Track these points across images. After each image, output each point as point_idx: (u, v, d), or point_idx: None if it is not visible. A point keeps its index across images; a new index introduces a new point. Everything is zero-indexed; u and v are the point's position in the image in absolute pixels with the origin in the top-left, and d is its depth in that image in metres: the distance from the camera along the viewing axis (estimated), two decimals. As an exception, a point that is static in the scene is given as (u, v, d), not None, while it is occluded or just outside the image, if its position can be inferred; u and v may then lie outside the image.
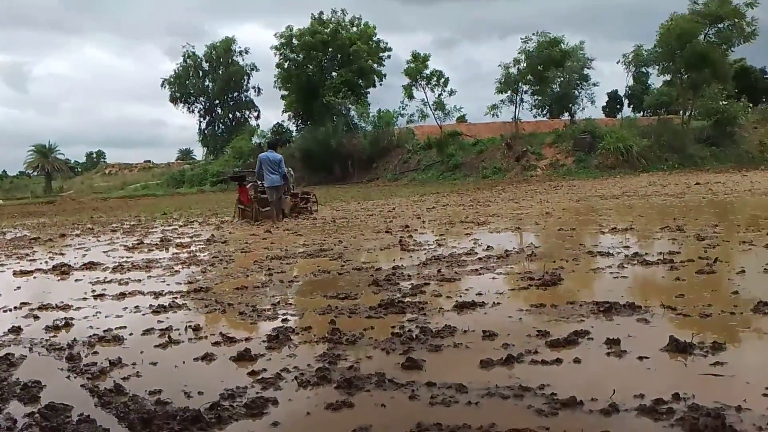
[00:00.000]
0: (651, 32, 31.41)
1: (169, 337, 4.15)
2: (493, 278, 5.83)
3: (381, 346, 3.72)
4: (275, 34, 43.61)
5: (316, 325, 4.29)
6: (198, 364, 3.59)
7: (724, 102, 32.72)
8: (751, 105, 38.73)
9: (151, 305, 5.17)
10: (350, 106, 41.84)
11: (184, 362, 3.63)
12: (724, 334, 3.70)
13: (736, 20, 29.78)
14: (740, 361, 3.24)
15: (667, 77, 35.30)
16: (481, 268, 6.34)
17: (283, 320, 4.44)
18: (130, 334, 4.33)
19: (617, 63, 35.13)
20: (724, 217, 9.92)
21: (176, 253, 8.66)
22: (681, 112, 34.00)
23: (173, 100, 54.18)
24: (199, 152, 63.59)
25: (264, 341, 3.90)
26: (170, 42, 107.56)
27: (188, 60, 53.52)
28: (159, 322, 4.62)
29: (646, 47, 32.70)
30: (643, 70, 36.95)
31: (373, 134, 40.01)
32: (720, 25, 30.42)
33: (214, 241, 10.02)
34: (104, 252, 9.24)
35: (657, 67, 33.50)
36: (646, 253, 6.51)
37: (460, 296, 5.03)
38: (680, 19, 30.32)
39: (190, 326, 4.36)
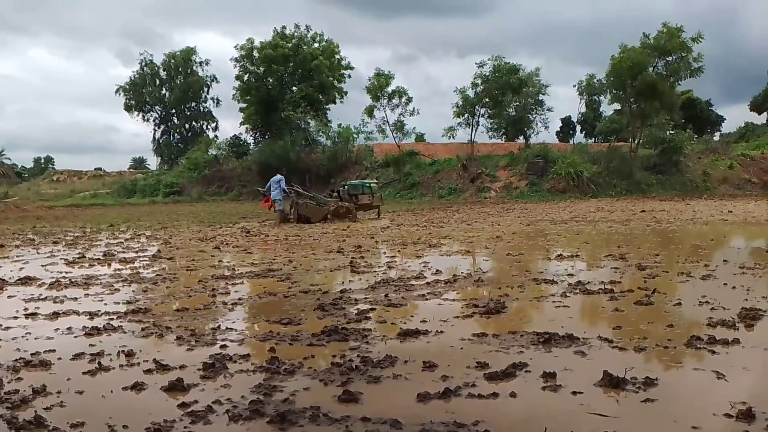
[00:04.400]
0: (604, 57, 32.58)
1: (100, 363, 3.99)
2: (439, 304, 5.85)
3: (320, 376, 3.66)
4: (235, 46, 43.31)
5: (256, 352, 4.20)
6: (127, 393, 3.46)
7: (670, 132, 34.06)
8: (696, 135, 40.48)
9: (84, 327, 4.98)
10: (309, 120, 41.73)
11: (112, 391, 3.49)
12: (657, 368, 3.78)
13: (683, 54, 31.09)
14: (670, 397, 3.31)
15: (618, 106, 36.54)
16: (428, 293, 6.36)
17: (222, 346, 4.33)
18: (59, 358, 4.15)
19: (573, 86, 36.16)
20: (666, 247, 10.25)
21: (118, 270, 8.40)
22: (630, 139, 35.16)
23: (128, 107, 52.98)
24: (152, 162, 62.22)
25: (199, 369, 3.79)
26: (122, 45, 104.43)
27: (145, 68, 52.54)
28: (91, 345, 4.44)
29: (598, 75, 33.84)
30: (596, 98, 38.07)
31: (331, 150, 39.95)
32: (668, 58, 31.70)
33: (160, 257, 9.77)
34: (43, 266, 8.89)
35: (608, 95, 34.68)
36: (589, 282, 6.64)
37: (405, 323, 5.01)
38: (631, 51, 31.50)
39: (122, 351, 4.21)
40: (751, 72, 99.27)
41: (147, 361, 4.01)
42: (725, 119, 56.31)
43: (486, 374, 3.65)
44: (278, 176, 17.90)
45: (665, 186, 32.25)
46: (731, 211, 18.51)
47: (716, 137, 49.56)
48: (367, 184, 19.69)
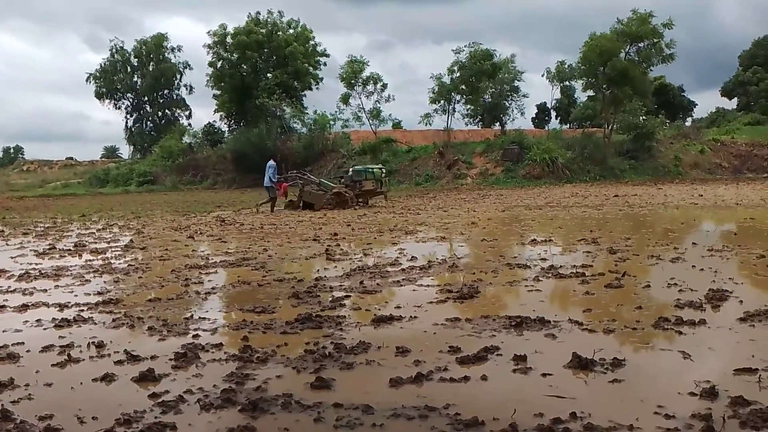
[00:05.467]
0: (580, 45, 32.75)
1: (69, 355, 3.94)
2: (414, 290, 5.88)
3: (292, 364, 3.66)
4: (208, 32, 42.57)
5: (229, 341, 4.19)
6: (97, 385, 3.43)
7: (643, 117, 34.47)
8: (668, 121, 41.04)
9: (54, 319, 4.91)
10: (285, 108, 41.34)
11: (81, 383, 3.45)
12: (625, 350, 3.86)
13: (655, 40, 31.44)
14: (637, 377, 3.37)
15: (591, 92, 36.86)
16: (403, 279, 6.39)
17: (194, 336, 4.31)
18: (28, 351, 4.09)
19: (541, 76, 36.48)
20: (637, 231, 10.41)
21: (90, 260, 8.27)
22: (604, 125, 35.53)
23: (99, 95, 51.95)
24: (125, 150, 61.20)
25: (171, 359, 3.77)
26: (91, 30, 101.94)
27: (116, 54, 51.47)
28: (60, 337, 4.38)
29: (572, 62, 34.10)
30: (568, 84, 38.37)
31: (307, 137, 39.66)
32: (640, 45, 32.03)
33: (133, 247, 9.65)
34: (12, 258, 8.73)
35: (581, 82, 34.99)
36: (561, 266, 6.73)
37: (380, 309, 5.04)
38: (602, 38, 31.77)
39: (93, 343, 4.16)
40: (723, 59, 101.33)
41: (118, 352, 3.96)
42: (697, 105, 57.52)
43: (458, 358, 3.69)
44: (270, 162, 18.38)
45: (638, 171, 32.69)
46: (702, 195, 18.86)
47: (688, 123, 50.44)
48: (371, 170, 19.04)
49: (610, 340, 4.05)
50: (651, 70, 34.20)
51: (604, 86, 33.32)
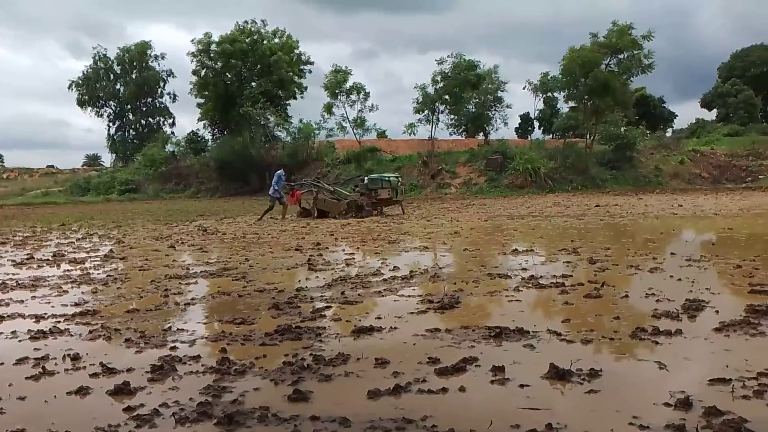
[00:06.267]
0: (562, 56, 33.12)
1: (44, 367, 3.88)
2: (395, 300, 5.88)
3: (270, 376, 3.64)
4: (192, 41, 42.44)
5: (206, 353, 4.15)
6: (71, 398, 3.38)
7: (624, 128, 34.93)
8: (649, 132, 41.59)
9: (29, 330, 4.84)
10: (269, 116, 41.27)
11: (55, 396, 3.40)
12: (602, 360, 3.89)
13: (635, 51, 31.91)
14: (613, 388, 3.40)
15: (573, 103, 37.26)
16: (384, 289, 6.38)
17: (172, 348, 4.26)
18: (1, 363, 4.03)
19: (523, 89, 36.89)
20: (617, 240, 10.52)
21: (68, 271, 8.17)
22: (586, 136, 35.92)
23: (81, 103, 51.56)
24: (107, 158, 60.67)
25: (147, 372, 3.73)
26: (72, 37, 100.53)
27: (99, 62, 51.13)
28: (36, 350, 4.32)
29: (554, 72, 34.50)
30: (551, 94, 38.74)
31: (292, 146, 39.63)
32: (620, 56, 32.48)
33: (113, 257, 9.54)
34: (-12, 268, 8.59)
35: (563, 93, 35.42)
36: (542, 276, 6.77)
37: (360, 320, 5.03)
38: (582, 50, 32.20)
39: (68, 355, 4.10)
40: (703, 70, 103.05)
41: (93, 364, 3.92)
42: (677, 116, 58.23)
43: (437, 369, 3.69)
44: (279, 171, 18.15)
45: (619, 181, 33.07)
46: (681, 205, 19.12)
47: (668, 133, 51.15)
48: (387, 178, 18.57)
49: (588, 351, 4.08)
50: (631, 81, 34.72)
51: (585, 97, 33.73)
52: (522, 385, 3.41)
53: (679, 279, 6.49)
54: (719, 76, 56.94)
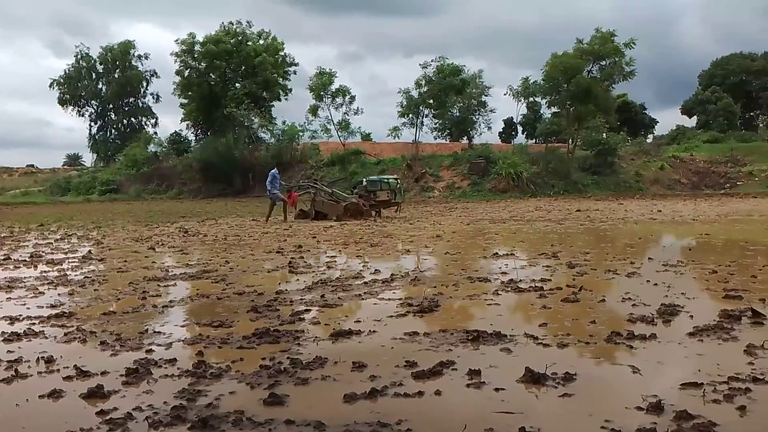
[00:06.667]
0: (547, 60, 33.42)
1: (17, 370, 3.83)
2: (375, 304, 5.89)
3: (247, 380, 3.63)
4: (176, 41, 42.13)
5: (183, 356, 4.12)
6: (43, 401, 3.34)
7: (606, 134, 35.32)
8: (630, 137, 42.09)
9: (3, 332, 4.77)
10: (253, 118, 41.11)
11: (28, 400, 3.35)
12: (577, 364, 3.93)
13: (617, 58, 32.30)
14: (587, 392, 3.44)
15: (555, 108, 37.59)
16: (365, 293, 6.39)
17: (148, 351, 4.23)
18: (-27, 366, 3.96)
19: (504, 95, 37.20)
20: (597, 245, 10.62)
21: (45, 272, 8.07)
22: (568, 141, 36.25)
23: (62, 101, 50.94)
24: (88, 158, 59.96)
25: (122, 375, 3.69)
26: (53, 35, 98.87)
27: (81, 61, 50.56)
28: (9, 352, 4.26)
29: (538, 78, 34.81)
30: (533, 99, 39.04)
31: (276, 148, 39.49)
32: (602, 63, 32.86)
33: (91, 258, 9.44)
34: (-38, 268, 8.45)
35: (545, 98, 35.72)
36: (521, 280, 6.82)
37: (339, 323, 5.02)
38: (565, 56, 32.53)
39: (42, 357, 4.05)
40: (683, 78, 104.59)
41: (67, 367, 3.87)
42: (658, 122, 58.96)
43: (414, 373, 3.70)
44: (272, 171, 18.17)
45: (601, 186, 33.40)
46: (660, 211, 19.35)
47: (649, 139, 51.79)
48: (386, 180, 18.78)
49: (564, 355, 4.12)
50: (613, 88, 35.13)
51: (567, 103, 34.05)
52: (497, 389, 3.43)
53: (656, 284, 6.57)
54: (700, 84, 57.82)
